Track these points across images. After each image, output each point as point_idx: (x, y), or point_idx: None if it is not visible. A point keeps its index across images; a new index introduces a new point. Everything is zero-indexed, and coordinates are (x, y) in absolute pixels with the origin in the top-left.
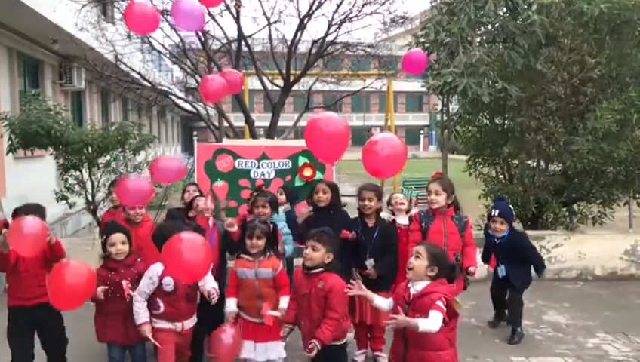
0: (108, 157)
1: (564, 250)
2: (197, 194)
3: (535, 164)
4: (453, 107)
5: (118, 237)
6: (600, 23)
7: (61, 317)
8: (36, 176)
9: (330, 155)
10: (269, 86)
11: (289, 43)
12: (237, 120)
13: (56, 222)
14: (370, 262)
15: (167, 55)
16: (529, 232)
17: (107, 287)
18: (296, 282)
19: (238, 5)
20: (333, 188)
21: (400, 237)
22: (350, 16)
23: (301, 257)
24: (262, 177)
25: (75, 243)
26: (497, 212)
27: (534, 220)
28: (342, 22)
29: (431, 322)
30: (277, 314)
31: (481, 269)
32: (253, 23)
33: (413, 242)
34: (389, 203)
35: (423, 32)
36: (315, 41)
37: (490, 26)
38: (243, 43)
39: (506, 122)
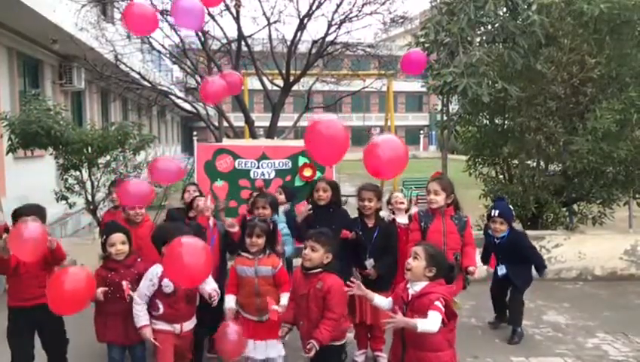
0: (108, 157)
1: (564, 250)
2: (197, 194)
3: (535, 164)
4: (453, 107)
5: (117, 237)
6: (600, 23)
7: (61, 318)
8: (36, 176)
9: (329, 159)
10: (269, 86)
11: (289, 43)
12: (237, 120)
13: (56, 222)
14: (369, 262)
15: (167, 55)
16: (529, 232)
17: (107, 288)
18: (295, 282)
19: (237, 5)
20: (334, 187)
21: (400, 237)
22: (350, 16)
23: (300, 257)
24: (262, 177)
25: (75, 243)
26: (497, 212)
27: (534, 220)
28: (342, 22)
29: (430, 322)
30: (279, 309)
31: (480, 269)
32: (253, 23)
33: (413, 241)
34: (388, 202)
35: (423, 32)
36: (314, 41)
37: (490, 26)
38: (243, 43)
39: (506, 122)
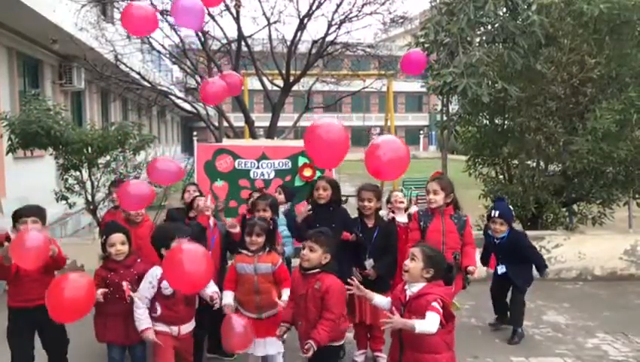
0: (108, 157)
1: (563, 250)
2: (197, 194)
3: (535, 164)
4: (453, 107)
5: (117, 237)
6: (600, 23)
7: None
8: (36, 176)
9: (329, 162)
10: (269, 86)
11: (289, 43)
12: (237, 120)
13: (56, 222)
14: (369, 263)
15: (167, 55)
16: (529, 232)
17: (106, 290)
18: (293, 282)
19: (237, 5)
20: (334, 186)
21: (399, 236)
22: (350, 16)
23: (299, 258)
24: (261, 177)
25: (75, 243)
26: (497, 213)
27: (534, 220)
28: (342, 22)
29: (428, 323)
30: (281, 303)
31: (480, 269)
32: (253, 23)
33: (412, 241)
34: (388, 201)
35: (423, 32)
36: (314, 42)
37: (489, 26)
38: (243, 43)
39: (506, 122)
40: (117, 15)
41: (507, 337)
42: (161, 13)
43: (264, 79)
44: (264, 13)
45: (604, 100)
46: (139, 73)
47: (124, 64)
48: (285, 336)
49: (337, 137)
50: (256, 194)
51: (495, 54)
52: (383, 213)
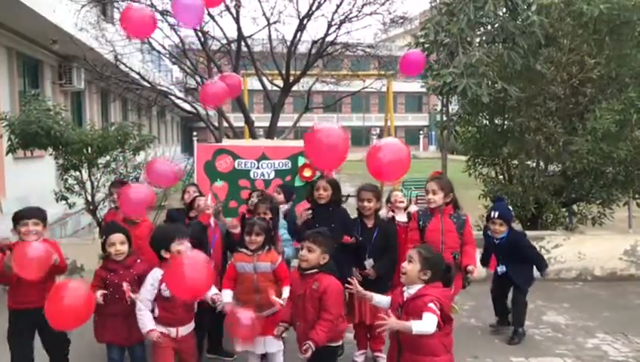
0: (108, 157)
1: (563, 250)
2: (197, 195)
3: (535, 164)
4: (453, 107)
5: (117, 237)
6: (599, 24)
7: None
8: (36, 177)
9: (329, 165)
10: (269, 86)
11: (289, 43)
12: (237, 120)
13: (56, 222)
14: (369, 263)
15: (167, 55)
16: (528, 233)
17: (106, 292)
18: (292, 283)
19: (237, 6)
20: (334, 186)
21: (399, 235)
22: (350, 16)
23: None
24: (261, 178)
25: (74, 243)
26: (497, 214)
27: (534, 221)
28: (341, 22)
29: (425, 324)
30: (280, 301)
31: (480, 269)
32: (253, 23)
33: (411, 241)
34: (388, 201)
35: (423, 32)
36: (314, 42)
37: (489, 27)
38: (243, 43)
39: (506, 122)
40: (117, 15)
41: (507, 337)
42: (161, 13)
43: (264, 79)
44: (264, 14)
45: (603, 100)
46: (139, 73)
47: (124, 64)
48: (285, 335)
49: (337, 141)
50: (255, 194)
51: (495, 54)
52: (382, 212)
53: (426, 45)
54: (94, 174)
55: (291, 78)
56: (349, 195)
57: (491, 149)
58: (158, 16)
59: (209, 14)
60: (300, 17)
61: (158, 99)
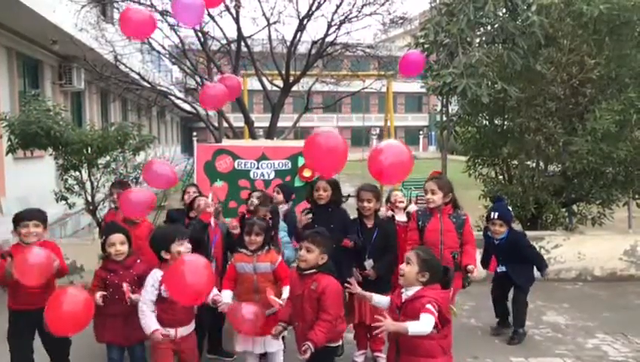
0: (107, 157)
1: (563, 250)
2: (197, 195)
3: (534, 164)
4: (453, 108)
5: (117, 237)
6: (599, 24)
7: None
8: (36, 177)
9: (328, 170)
10: (269, 86)
11: (288, 44)
12: (236, 120)
13: (56, 222)
14: (369, 263)
15: (167, 55)
16: (528, 233)
17: (105, 293)
18: (290, 283)
19: (237, 6)
20: (334, 186)
21: (399, 235)
22: (350, 17)
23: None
24: (261, 178)
25: (74, 243)
26: (497, 214)
27: (534, 221)
28: (341, 23)
29: (421, 324)
30: (279, 301)
31: (480, 269)
32: (253, 23)
33: (411, 240)
34: (387, 200)
35: (423, 32)
36: (314, 42)
37: (489, 27)
38: (242, 43)
39: (506, 123)
40: (117, 15)
41: (507, 338)
42: (161, 13)
43: (264, 79)
44: (264, 14)
45: (603, 101)
46: (138, 73)
47: (124, 64)
48: (285, 334)
49: (336, 146)
50: (255, 194)
51: (495, 55)
52: (381, 211)
53: (425, 46)
54: (94, 174)
55: (291, 79)
56: (348, 195)
57: (491, 150)
58: (157, 16)
59: (209, 14)
60: (300, 18)
61: (158, 100)
